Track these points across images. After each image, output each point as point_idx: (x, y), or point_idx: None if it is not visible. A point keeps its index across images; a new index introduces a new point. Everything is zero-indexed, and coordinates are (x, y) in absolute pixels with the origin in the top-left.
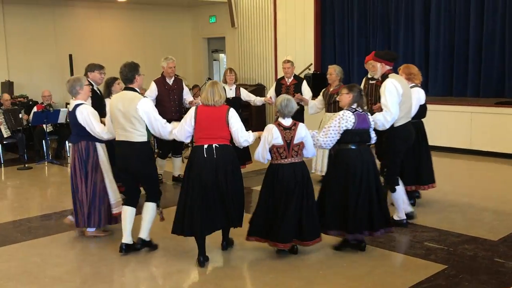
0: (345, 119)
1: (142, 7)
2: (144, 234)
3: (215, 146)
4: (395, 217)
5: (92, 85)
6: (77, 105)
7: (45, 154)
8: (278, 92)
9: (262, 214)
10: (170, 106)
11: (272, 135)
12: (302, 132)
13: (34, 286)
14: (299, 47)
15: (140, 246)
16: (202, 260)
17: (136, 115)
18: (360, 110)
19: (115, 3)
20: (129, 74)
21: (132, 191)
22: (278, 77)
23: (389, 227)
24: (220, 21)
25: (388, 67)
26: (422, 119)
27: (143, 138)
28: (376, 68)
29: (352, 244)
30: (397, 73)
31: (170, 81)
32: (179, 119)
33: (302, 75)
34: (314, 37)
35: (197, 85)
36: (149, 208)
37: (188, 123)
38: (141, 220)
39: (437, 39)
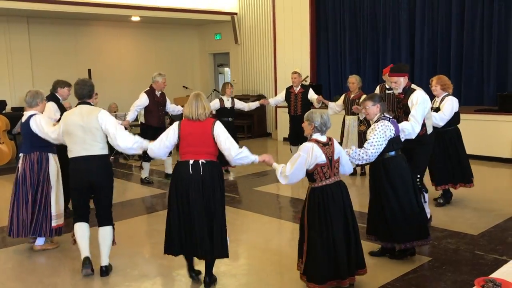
0: (389, 129)
1: (154, 26)
2: (105, 262)
3: (202, 162)
4: (427, 214)
5: (58, 100)
6: (31, 115)
7: None
8: (287, 99)
9: (324, 254)
10: (158, 115)
11: (314, 153)
12: (338, 146)
13: None
14: (296, 61)
15: (105, 274)
16: (195, 275)
17: (97, 126)
18: (392, 118)
19: (130, 23)
20: (90, 88)
21: (85, 208)
22: (278, 88)
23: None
24: (225, 38)
25: (407, 79)
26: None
27: (104, 151)
28: (399, 83)
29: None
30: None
31: (158, 94)
32: (164, 126)
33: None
34: (309, 51)
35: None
36: (108, 233)
37: (170, 138)
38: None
39: (421, 50)
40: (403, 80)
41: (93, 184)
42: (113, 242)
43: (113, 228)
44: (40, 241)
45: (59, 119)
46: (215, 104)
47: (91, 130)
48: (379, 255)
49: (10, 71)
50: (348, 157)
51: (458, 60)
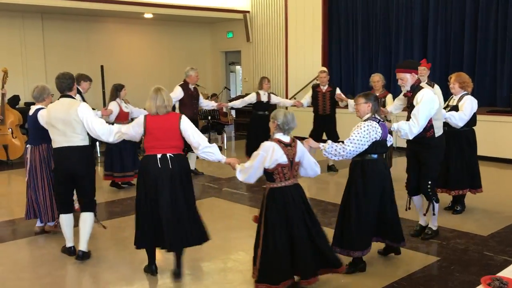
0: (375, 130)
1: (166, 23)
2: (84, 246)
3: (169, 155)
4: (433, 227)
5: (80, 92)
6: (38, 109)
7: None
8: (315, 99)
9: (278, 254)
10: (192, 107)
11: (275, 154)
12: (302, 149)
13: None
14: (308, 60)
15: (80, 259)
16: (155, 268)
17: (77, 118)
18: (382, 120)
19: (142, 19)
20: (69, 81)
21: (69, 199)
22: (289, 86)
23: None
24: (237, 36)
25: (416, 77)
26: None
27: (85, 142)
28: (406, 80)
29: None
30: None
31: (191, 87)
32: (197, 119)
33: (311, 85)
34: (321, 50)
35: (215, 94)
36: (88, 219)
37: (136, 129)
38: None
39: (434, 50)
40: (410, 77)
41: (74, 174)
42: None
43: (95, 215)
44: (51, 222)
45: None
46: (251, 97)
47: (71, 123)
48: (385, 253)
49: (24, 66)
50: (313, 160)
51: (471, 60)
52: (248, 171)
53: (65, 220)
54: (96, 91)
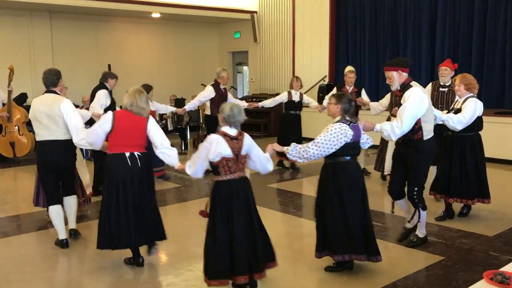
0: (344, 133)
1: (174, 23)
2: (73, 225)
3: (137, 154)
4: (420, 234)
5: (107, 88)
6: None
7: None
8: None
9: (222, 248)
10: None
11: (219, 146)
12: (250, 142)
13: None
14: (315, 60)
15: (73, 236)
16: (142, 260)
17: (59, 114)
18: (354, 122)
19: (150, 19)
20: (55, 78)
21: (56, 189)
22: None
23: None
24: (244, 37)
25: (405, 75)
26: (479, 132)
27: (67, 136)
28: (392, 78)
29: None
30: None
31: (222, 88)
32: None
33: (317, 86)
34: (328, 51)
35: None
36: (71, 201)
37: (103, 127)
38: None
39: (442, 50)
40: (396, 75)
41: (57, 166)
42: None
43: (77, 197)
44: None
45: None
46: (282, 97)
47: (54, 118)
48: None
49: (32, 65)
50: (264, 155)
51: (479, 61)
52: (196, 163)
53: (55, 211)
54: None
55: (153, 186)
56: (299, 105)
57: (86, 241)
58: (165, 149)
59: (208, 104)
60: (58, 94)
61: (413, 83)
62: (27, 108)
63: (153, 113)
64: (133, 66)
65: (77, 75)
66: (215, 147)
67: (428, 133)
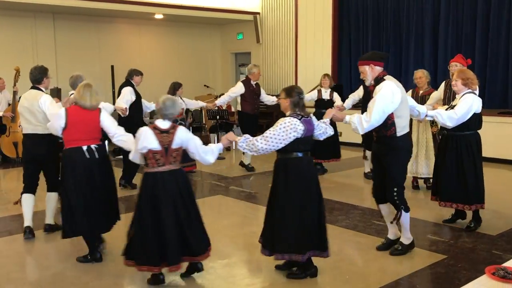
0: (294, 128)
1: (177, 24)
2: (49, 221)
3: (94, 147)
4: (405, 241)
5: (133, 85)
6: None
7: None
8: (365, 97)
9: (149, 237)
10: (253, 103)
11: (145, 139)
12: (184, 136)
13: None
14: (318, 61)
15: (47, 231)
16: (100, 256)
17: (39, 109)
18: (306, 116)
19: (153, 20)
20: (38, 76)
21: (34, 180)
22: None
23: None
24: (247, 38)
25: (379, 68)
26: (478, 131)
27: (47, 131)
28: (365, 73)
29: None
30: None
31: (253, 84)
32: (258, 114)
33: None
34: (331, 51)
35: (223, 94)
36: (52, 197)
37: (58, 123)
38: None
39: (445, 50)
40: (369, 69)
41: (35, 157)
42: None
43: (59, 194)
44: None
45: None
46: (312, 94)
47: (34, 112)
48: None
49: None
50: (204, 148)
51: (483, 62)
52: (134, 151)
53: (27, 199)
54: (106, 91)
55: (111, 175)
56: (330, 103)
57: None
58: (120, 136)
59: (239, 100)
60: (42, 90)
61: (388, 77)
62: None
63: (180, 111)
64: (136, 67)
65: None
66: (142, 139)
67: (401, 129)
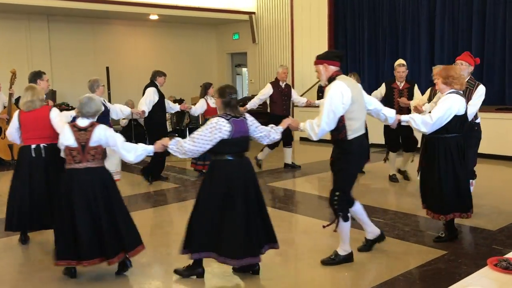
0: (219, 129)
1: (172, 25)
2: None
3: (43, 145)
4: (341, 252)
5: (157, 86)
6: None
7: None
8: (389, 96)
9: (65, 232)
10: (282, 104)
11: (63, 136)
12: (101, 134)
13: None
14: (313, 61)
15: None
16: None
17: None
18: (237, 116)
19: (148, 21)
20: (32, 79)
21: None
22: (296, 88)
23: (274, 242)
24: (243, 38)
25: (333, 68)
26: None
27: None
28: (320, 72)
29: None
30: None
31: (282, 85)
32: (286, 116)
33: (316, 86)
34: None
35: None
36: None
37: (13, 125)
38: None
39: (441, 47)
40: (323, 69)
41: None
42: None
43: None
44: None
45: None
46: None
47: None
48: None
49: (30, 68)
50: (125, 145)
51: (480, 57)
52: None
53: None
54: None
55: (56, 176)
56: None
57: None
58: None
59: (268, 102)
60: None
61: (341, 77)
62: None
63: (213, 111)
64: (132, 68)
65: (75, 78)
66: (60, 136)
67: (353, 132)
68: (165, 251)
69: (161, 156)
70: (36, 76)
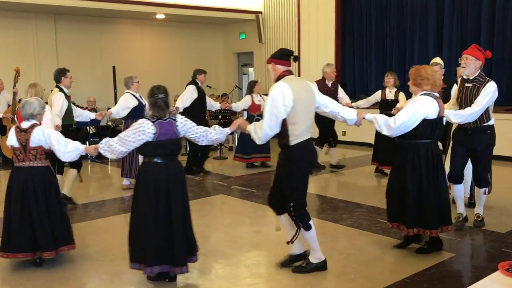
0: (142, 131)
1: (179, 24)
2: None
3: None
4: (313, 260)
5: (197, 84)
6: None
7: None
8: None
9: (11, 226)
10: None
11: (9, 137)
12: (39, 135)
13: None
14: (320, 60)
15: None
16: None
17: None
18: (165, 118)
19: (155, 20)
20: (57, 76)
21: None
22: None
23: (193, 255)
24: (249, 37)
25: (281, 68)
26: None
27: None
28: (270, 71)
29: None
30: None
31: (329, 83)
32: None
33: None
34: (334, 50)
35: (225, 94)
36: (71, 172)
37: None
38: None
39: (449, 49)
40: (272, 68)
41: None
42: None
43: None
44: (126, 182)
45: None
46: (376, 96)
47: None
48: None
49: (36, 67)
50: (64, 142)
51: (488, 60)
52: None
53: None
54: (108, 92)
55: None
56: (395, 104)
57: (85, 241)
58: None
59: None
60: (62, 89)
61: (288, 77)
62: None
63: (257, 107)
64: (138, 67)
65: (82, 76)
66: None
67: (296, 137)
68: None
69: (199, 150)
70: (60, 74)
